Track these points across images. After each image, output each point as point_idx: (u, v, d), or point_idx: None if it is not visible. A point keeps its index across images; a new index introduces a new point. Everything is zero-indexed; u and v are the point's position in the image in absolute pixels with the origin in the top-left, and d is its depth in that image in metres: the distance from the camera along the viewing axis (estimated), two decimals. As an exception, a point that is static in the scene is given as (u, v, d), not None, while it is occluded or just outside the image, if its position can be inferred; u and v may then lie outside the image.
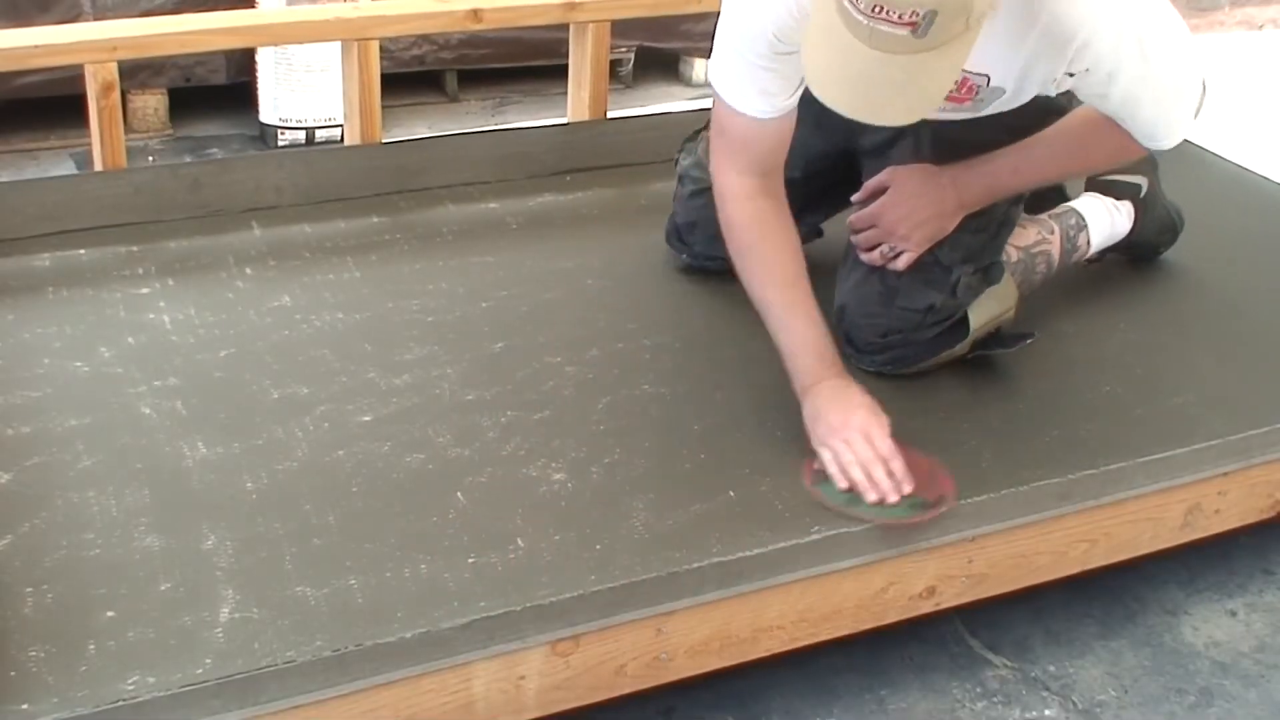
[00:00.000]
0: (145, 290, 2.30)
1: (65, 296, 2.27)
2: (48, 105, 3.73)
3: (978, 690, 2.03)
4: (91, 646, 1.55)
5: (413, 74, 4.20)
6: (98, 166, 2.56)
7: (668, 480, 1.90)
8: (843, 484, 1.86)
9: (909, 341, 2.15)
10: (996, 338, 2.20)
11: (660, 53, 4.53)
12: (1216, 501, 2.14)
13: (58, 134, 3.84)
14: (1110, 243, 2.47)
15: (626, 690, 1.79)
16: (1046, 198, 2.45)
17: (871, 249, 2.16)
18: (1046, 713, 1.99)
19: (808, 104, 1.84)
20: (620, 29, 2.97)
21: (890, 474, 1.85)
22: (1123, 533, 2.08)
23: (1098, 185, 2.48)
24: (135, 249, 2.42)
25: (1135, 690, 2.04)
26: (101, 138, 2.52)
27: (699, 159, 2.34)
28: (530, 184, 2.77)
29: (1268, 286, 2.56)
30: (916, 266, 2.13)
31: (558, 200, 2.73)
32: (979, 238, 2.16)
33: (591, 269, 2.45)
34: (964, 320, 2.15)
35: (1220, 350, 2.34)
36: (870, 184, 2.18)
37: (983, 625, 2.13)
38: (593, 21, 2.83)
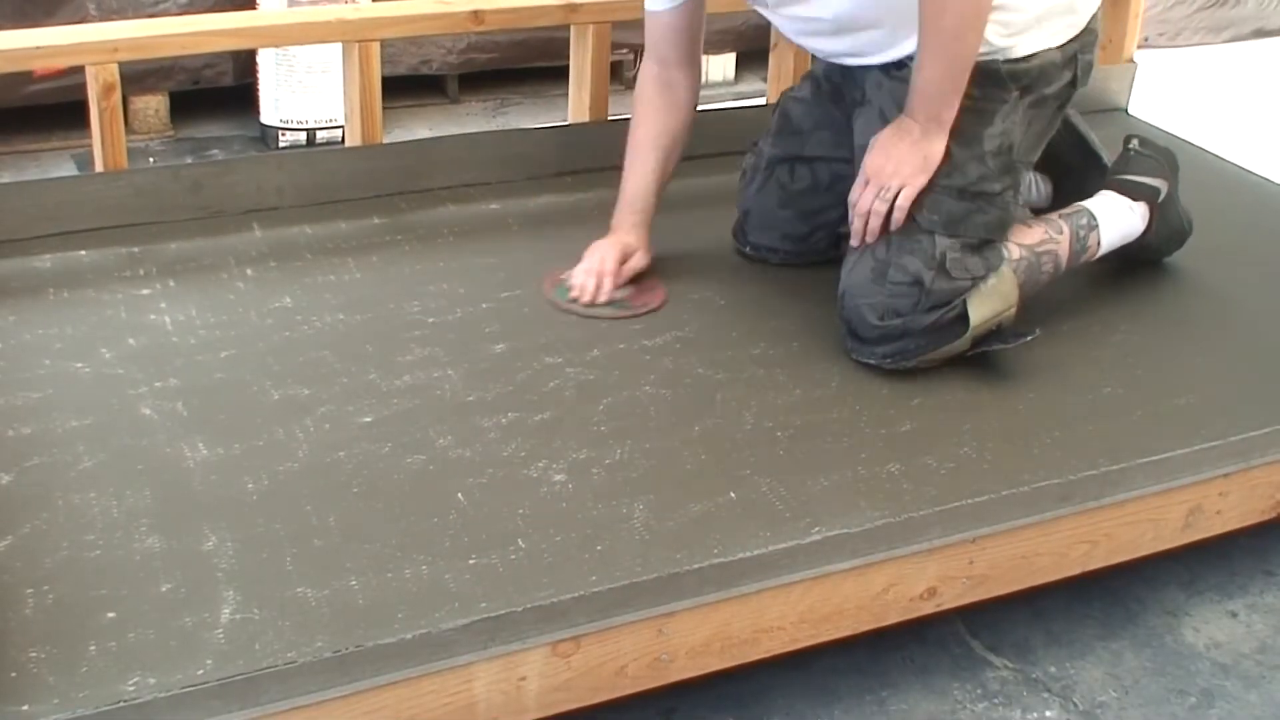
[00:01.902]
0: (146, 291, 2.30)
1: (66, 298, 2.28)
2: (49, 107, 3.73)
3: (979, 691, 2.03)
4: (92, 647, 1.55)
5: (414, 75, 4.20)
6: (99, 168, 2.56)
7: (668, 481, 1.90)
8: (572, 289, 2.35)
9: (907, 330, 2.16)
10: (997, 334, 2.21)
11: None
12: (1217, 502, 2.14)
13: (59, 135, 3.85)
14: (1122, 243, 2.47)
15: (627, 691, 1.79)
16: (1061, 193, 2.48)
17: (870, 227, 2.20)
18: (1047, 714, 1.99)
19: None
20: (621, 30, 2.97)
21: (600, 286, 2.34)
22: (1124, 534, 2.08)
23: (1115, 185, 2.48)
24: (136, 250, 2.42)
25: (1136, 691, 2.04)
26: (103, 139, 2.52)
27: (754, 159, 2.55)
28: (531, 185, 2.77)
29: (1268, 287, 2.57)
30: (902, 234, 2.18)
31: (558, 201, 2.73)
32: (959, 204, 2.19)
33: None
34: (964, 316, 2.16)
35: (1221, 351, 2.34)
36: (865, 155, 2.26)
37: (983, 626, 2.13)
38: (593, 23, 2.84)
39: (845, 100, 2.43)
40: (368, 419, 1.99)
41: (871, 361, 2.19)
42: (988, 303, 2.18)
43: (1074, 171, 2.52)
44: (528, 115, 4.27)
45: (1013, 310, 2.22)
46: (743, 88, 4.50)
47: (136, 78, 3.77)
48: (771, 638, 1.85)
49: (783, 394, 2.12)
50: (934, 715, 1.98)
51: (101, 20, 3.54)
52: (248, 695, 1.54)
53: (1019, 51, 2.20)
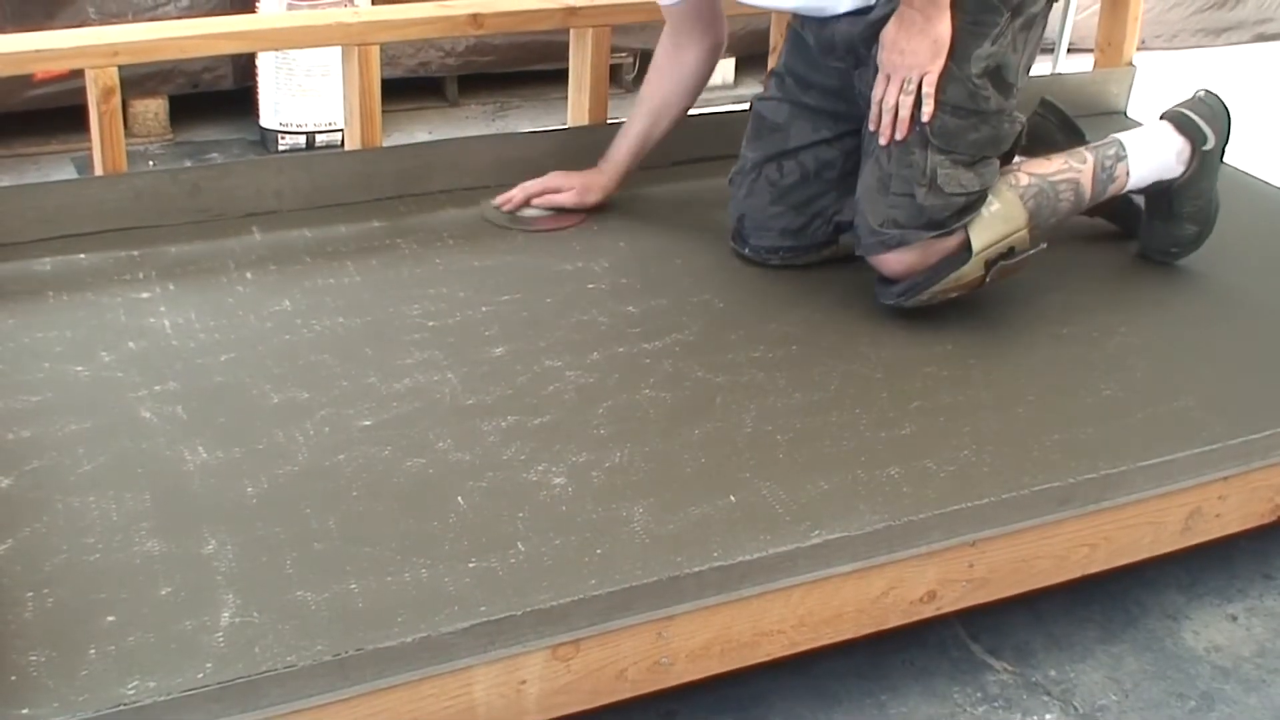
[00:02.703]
0: (146, 294, 2.30)
1: (66, 301, 2.28)
2: (49, 110, 3.73)
3: (978, 695, 2.02)
4: (92, 651, 1.55)
5: (413, 78, 4.20)
6: (98, 171, 2.56)
7: (668, 484, 1.90)
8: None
9: (906, 239, 2.26)
10: (1008, 256, 2.29)
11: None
12: (1217, 505, 2.14)
13: (58, 138, 3.84)
14: (1154, 179, 2.48)
15: (627, 695, 1.78)
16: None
17: (899, 119, 2.27)
18: (1047, 717, 1.99)
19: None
20: (621, 33, 2.98)
21: (511, 198, 2.64)
22: (1123, 537, 2.08)
23: (1170, 115, 2.52)
24: (136, 253, 2.42)
25: (1136, 695, 2.04)
26: (102, 142, 2.52)
27: (739, 165, 2.59)
28: (531, 188, 2.77)
29: (1268, 290, 2.57)
30: (900, 149, 2.27)
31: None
32: (952, 120, 2.26)
33: (592, 273, 2.45)
34: (967, 243, 2.26)
35: (1221, 353, 2.34)
36: (878, 55, 2.32)
37: (983, 629, 2.13)
38: (593, 26, 2.84)
39: (815, 84, 2.49)
40: (367, 422, 1.99)
41: (890, 303, 2.32)
42: (991, 227, 2.28)
43: (1061, 150, 2.52)
44: (527, 118, 4.26)
45: (1023, 232, 2.29)
46: (742, 91, 4.49)
47: (135, 81, 3.76)
48: (771, 641, 1.85)
49: (782, 397, 2.12)
50: (934, 719, 1.98)
51: (101, 24, 3.53)
52: (248, 699, 1.53)
53: None
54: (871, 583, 1.89)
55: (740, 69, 4.60)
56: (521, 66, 4.30)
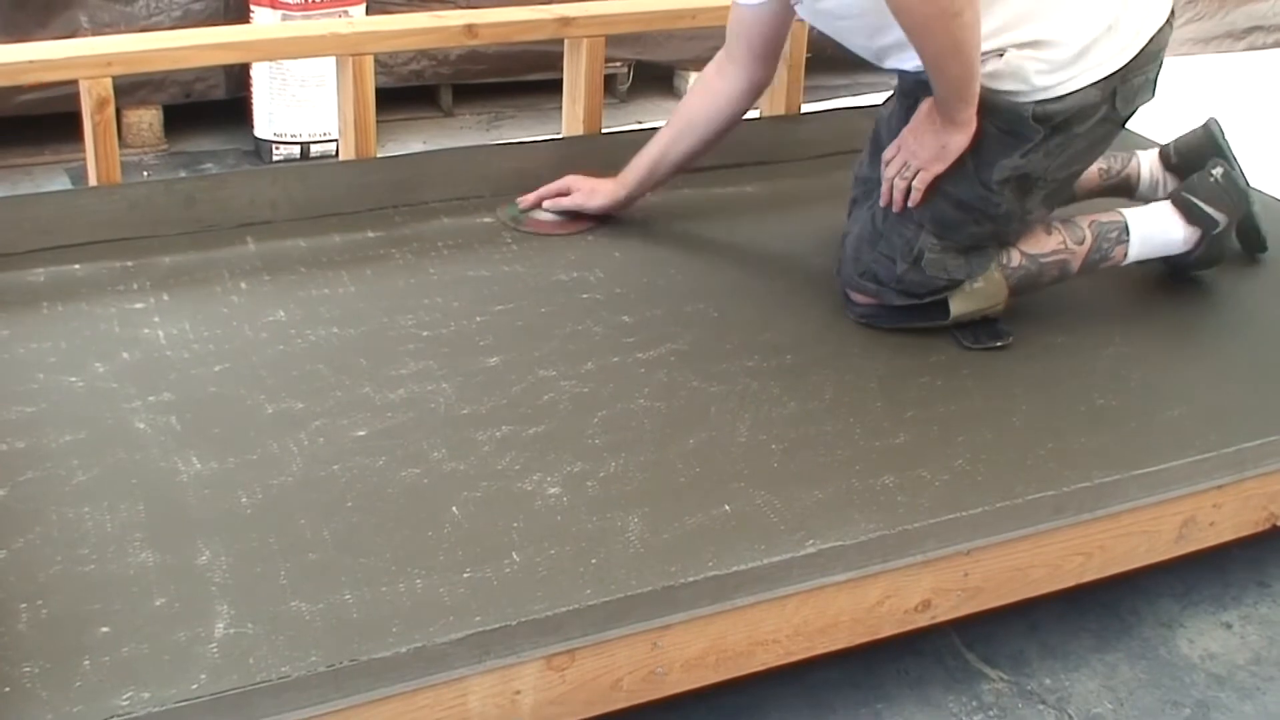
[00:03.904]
0: (140, 305, 2.30)
1: (60, 311, 2.27)
2: (43, 120, 3.73)
3: (974, 704, 2.02)
4: (86, 662, 1.55)
5: (408, 89, 4.20)
6: (92, 182, 2.56)
7: (663, 494, 1.90)
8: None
9: (881, 296, 2.31)
10: (981, 324, 2.32)
11: (655, 67, 4.54)
12: (1211, 514, 2.14)
13: (52, 149, 3.84)
14: (1153, 256, 2.48)
15: (622, 705, 1.78)
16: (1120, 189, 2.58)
17: (894, 198, 2.28)
18: (1042, 726, 2.00)
19: None
20: (615, 43, 2.98)
21: (525, 199, 2.64)
22: (1117, 546, 2.08)
23: (1179, 201, 2.47)
24: (130, 264, 2.42)
25: (1131, 703, 2.04)
26: (96, 153, 2.52)
27: (858, 163, 2.55)
28: (525, 198, 2.78)
29: (1261, 300, 2.57)
30: (899, 216, 2.28)
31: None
32: (954, 213, 2.26)
33: (587, 283, 2.45)
34: (943, 306, 2.29)
35: (1214, 363, 2.34)
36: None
37: (978, 639, 2.13)
38: (587, 37, 2.84)
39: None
40: (362, 432, 1.99)
41: (850, 317, 2.36)
42: (971, 300, 2.30)
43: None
44: (522, 128, 4.27)
45: (1000, 306, 2.30)
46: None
47: (127, 90, 3.76)
48: (766, 650, 1.85)
49: (777, 407, 2.12)
50: (929, 728, 1.98)
51: (94, 34, 3.54)
52: (241, 710, 1.53)
53: (1056, 91, 2.16)
54: (866, 592, 1.89)
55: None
56: (516, 76, 4.31)
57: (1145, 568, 2.15)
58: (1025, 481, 1.97)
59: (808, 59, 3.12)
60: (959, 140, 2.18)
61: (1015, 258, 2.31)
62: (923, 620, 1.96)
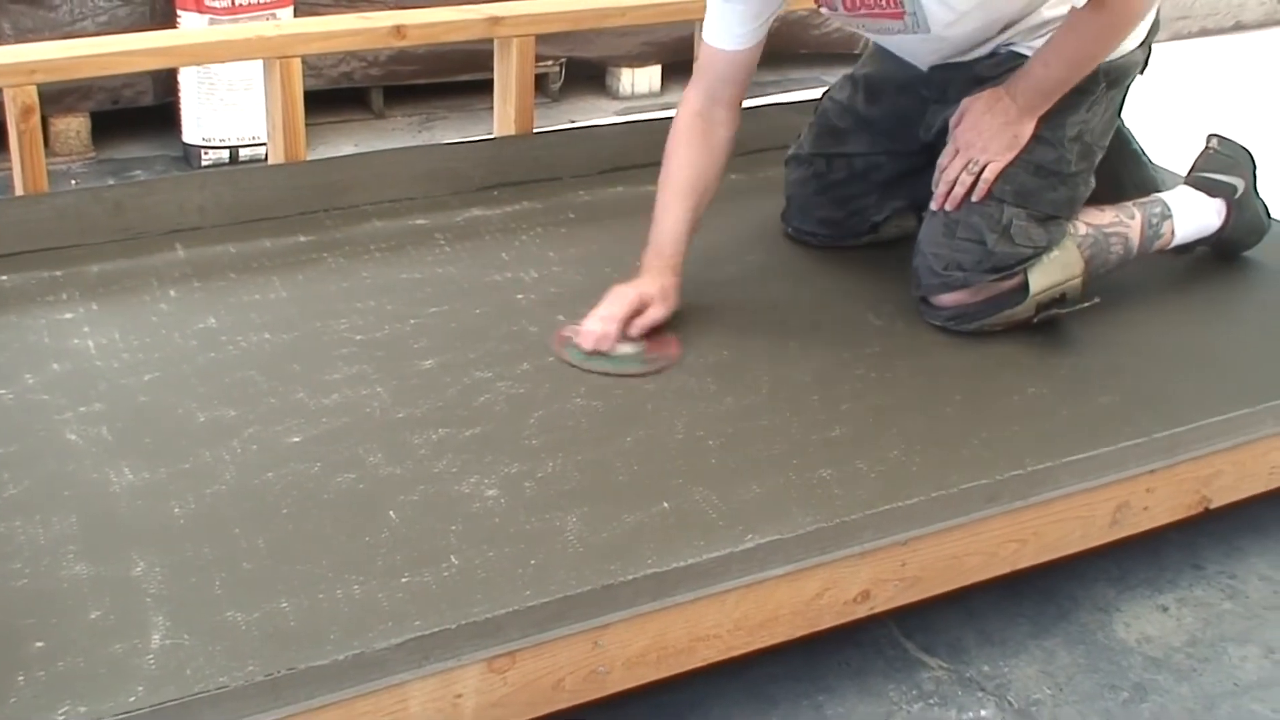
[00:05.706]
0: (69, 315, 2.27)
1: (-13, 323, 2.25)
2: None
3: (914, 693, 2.04)
4: (20, 678, 1.53)
5: (338, 91, 4.18)
6: (19, 191, 2.53)
7: (601, 493, 1.90)
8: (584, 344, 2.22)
9: (969, 281, 2.30)
10: (1061, 302, 2.34)
11: (587, 65, 4.53)
12: (1145, 499, 2.17)
13: (-23, 158, 3.79)
14: (1198, 236, 2.59)
15: (565, 705, 1.78)
16: (1138, 186, 2.60)
17: (953, 194, 2.33)
18: (983, 713, 2.01)
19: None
20: (546, 41, 2.98)
21: (606, 335, 2.20)
22: (1052, 532, 2.10)
23: (1194, 181, 2.61)
24: (58, 274, 2.39)
25: (1070, 688, 2.06)
26: (22, 162, 2.49)
27: (796, 148, 2.67)
28: (458, 199, 2.77)
29: (1191, 285, 2.61)
30: (977, 202, 2.31)
31: (486, 215, 2.72)
32: (1033, 180, 2.32)
33: (521, 283, 2.45)
34: (1024, 285, 2.30)
35: (1144, 349, 2.37)
36: (953, 119, 2.38)
37: (917, 628, 2.15)
38: (517, 36, 2.83)
39: (885, 103, 2.55)
40: (296, 439, 1.98)
41: (936, 323, 2.36)
42: (1049, 273, 2.32)
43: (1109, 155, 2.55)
44: (454, 129, 4.26)
45: (1077, 280, 2.35)
46: (669, 99, 4.51)
47: (54, 97, 3.72)
48: (708, 646, 1.86)
49: (713, 403, 2.13)
50: (871, 718, 1.99)
51: (17, 40, 3.49)
52: (180, 721, 1.52)
53: (1122, 50, 2.34)
54: (806, 584, 1.90)
55: (666, 76, 4.61)
56: (446, 77, 4.29)
57: (1081, 553, 2.17)
58: (959, 471, 1.99)
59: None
60: (1029, 128, 2.30)
61: (1081, 227, 2.40)
62: (862, 611, 1.97)
